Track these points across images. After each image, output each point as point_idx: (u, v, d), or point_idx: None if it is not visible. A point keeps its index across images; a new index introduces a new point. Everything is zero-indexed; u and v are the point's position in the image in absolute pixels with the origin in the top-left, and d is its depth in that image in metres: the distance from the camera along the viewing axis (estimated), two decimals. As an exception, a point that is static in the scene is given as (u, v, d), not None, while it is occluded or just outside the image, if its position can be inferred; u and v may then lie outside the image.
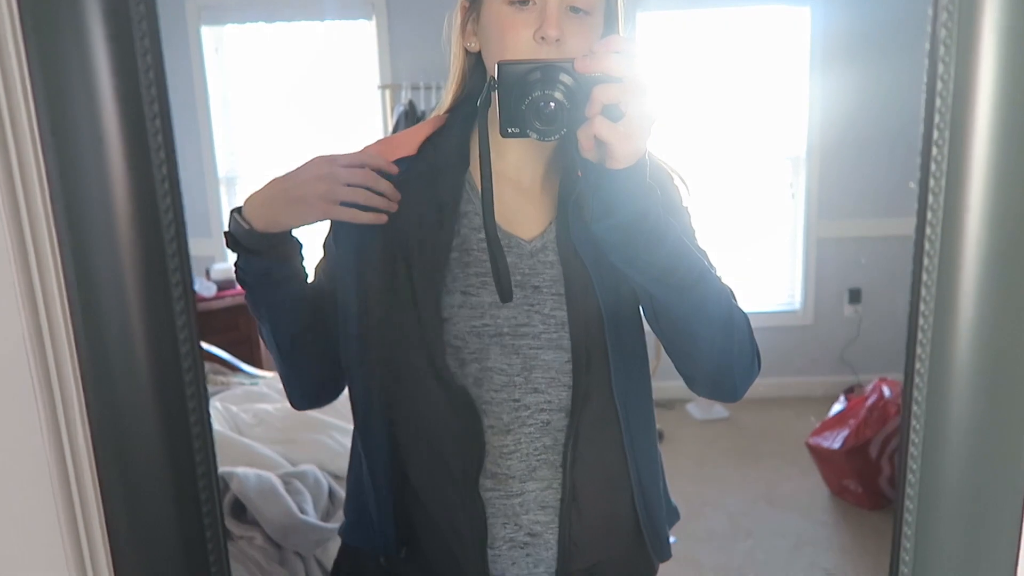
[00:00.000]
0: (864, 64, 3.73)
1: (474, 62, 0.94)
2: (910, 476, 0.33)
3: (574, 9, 0.83)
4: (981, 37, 0.29)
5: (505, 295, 0.87)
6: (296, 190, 0.87)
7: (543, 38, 0.82)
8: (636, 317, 0.95)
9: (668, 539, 1.04)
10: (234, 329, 3.49)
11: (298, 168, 0.88)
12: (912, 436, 0.34)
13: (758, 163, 4.01)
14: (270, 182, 0.89)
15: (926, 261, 0.31)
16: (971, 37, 0.29)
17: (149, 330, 0.34)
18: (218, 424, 2.18)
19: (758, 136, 3.98)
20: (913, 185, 0.30)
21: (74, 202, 0.32)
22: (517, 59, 0.80)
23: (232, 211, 0.91)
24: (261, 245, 0.89)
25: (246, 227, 0.89)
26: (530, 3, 0.83)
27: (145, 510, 0.36)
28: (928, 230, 0.30)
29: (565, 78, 0.75)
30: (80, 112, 0.32)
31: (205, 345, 3.00)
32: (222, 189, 3.96)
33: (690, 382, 0.92)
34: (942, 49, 0.30)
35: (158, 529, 0.36)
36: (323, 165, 0.87)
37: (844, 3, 3.70)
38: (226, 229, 0.91)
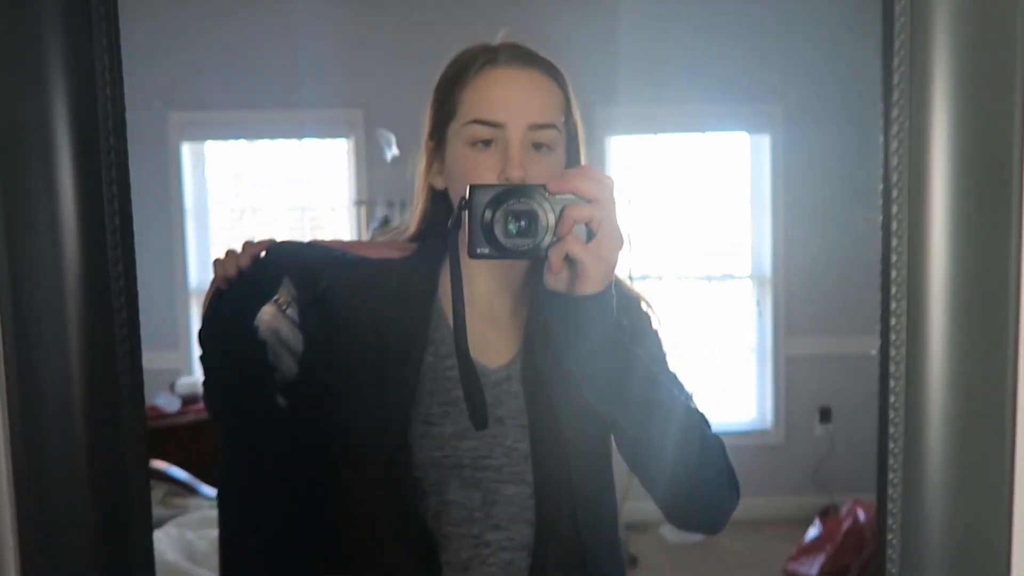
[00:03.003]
0: (824, 187, 3.89)
1: (440, 198, 0.94)
2: None
3: (536, 146, 0.84)
4: (931, 174, 0.30)
5: (480, 422, 0.85)
6: None
7: (507, 179, 0.82)
8: (603, 450, 0.92)
9: None
10: (196, 446, 3.37)
11: None
12: (889, 556, 0.33)
13: (725, 282, 4.09)
14: None
15: (892, 383, 0.30)
16: (922, 175, 0.30)
17: (95, 462, 0.33)
18: (171, 553, 2.07)
19: (725, 255, 4.08)
20: (875, 332, 0.30)
21: (24, 318, 0.31)
22: (475, 173, 0.82)
23: None
24: None
25: None
26: (492, 144, 0.84)
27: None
28: (892, 351, 0.30)
29: (537, 198, 0.76)
30: (39, 224, 0.31)
31: (163, 465, 2.88)
32: (192, 301, 3.93)
33: (669, 515, 0.88)
34: (895, 192, 0.31)
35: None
36: None
37: (801, 131, 3.89)
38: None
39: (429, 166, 0.93)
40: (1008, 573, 0.31)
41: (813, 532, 2.87)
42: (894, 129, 0.29)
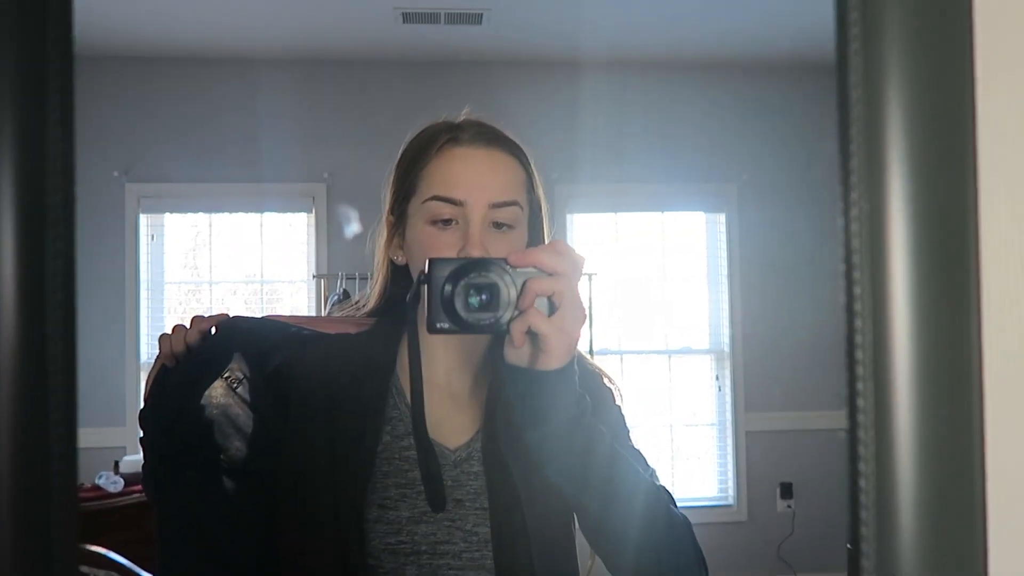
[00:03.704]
0: (778, 264, 3.99)
1: (400, 272, 0.93)
2: None
3: (497, 225, 0.84)
4: (891, 254, 0.31)
5: (438, 504, 0.82)
6: None
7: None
8: (567, 532, 0.90)
9: None
10: (138, 528, 3.22)
11: None
12: None
13: (684, 356, 4.13)
14: None
15: (862, 465, 0.30)
16: (882, 255, 0.31)
17: (19, 543, 0.30)
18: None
19: (684, 330, 4.13)
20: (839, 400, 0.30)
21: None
22: (434, 250, 0.81)
23: None
24: None
25: None
26: (453, 222, 0.83)
27: None
28: (860, 432, 0.30)
29: (498, 271, 0.74)
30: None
31: (102, 550, 2.74)
32: (142, 375, 3.81)
33: None
34: (856, 258, 0.31)
35: None
36: None
37: (756, 211, 4.01)
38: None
39: (389, 241, 0.92)
40: None
41: (778, 612, 2.82)
42: (853, 212, 0.30)
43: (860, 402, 0.29)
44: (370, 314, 0.95)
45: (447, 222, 0.83)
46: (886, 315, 0.30)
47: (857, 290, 0.31)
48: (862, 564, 0.29)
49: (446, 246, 0.83)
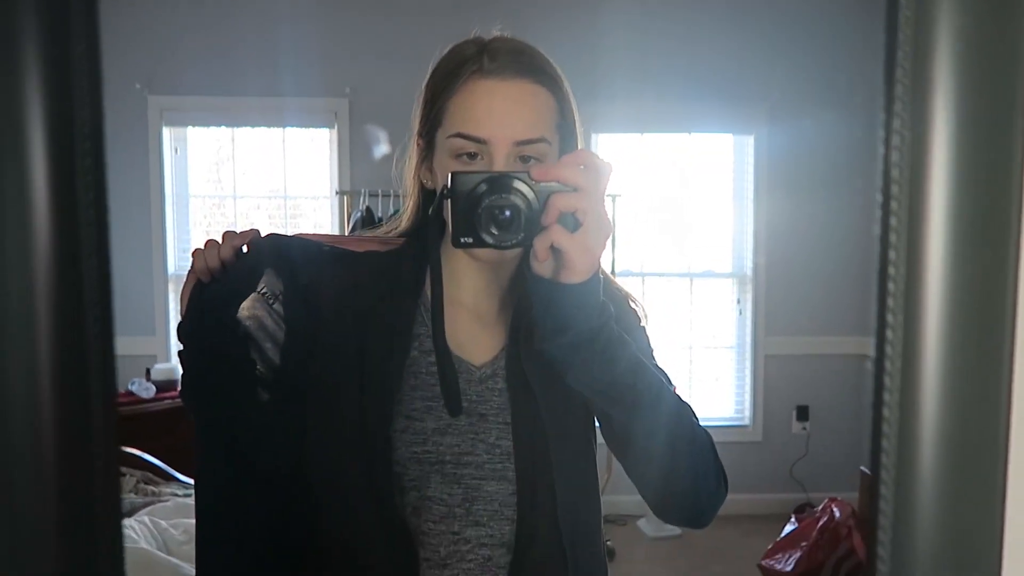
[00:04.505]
0: (806, 187, 3.92)
1: (430, 196, 0.91)
2: None
3: (523, 159, 0.82)
4: (932, 172, 0.30)
5: (454, 409, 0.84)
6: None
7: None
8: (587, 446, 0.92)
9: None
10: (170, 434, 3.34)
11: None
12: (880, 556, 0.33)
13: (707, 280, 4.12)
14: None
15: (886, 396, 0.30)
16: (922, 164, 0.30)
17: (61, 444, 0.32)
18: (144, 542, 2.05)
19: (707, 253, 4.11)
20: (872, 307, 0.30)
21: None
22: (471, 170, 0.80)
23: None
24: None
25: None
26: (477, 157, 0.82)
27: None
28: (887, 363, 0.30)
29: (521, 186, 0.74)
30: (7, 206, 0.30)
31: (137, 451, 2.85)
32: (170, 287, 3.89)
33: (655, 507, 0.87)
34: (895, 189, 0.30)
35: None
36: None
37: (785, 134, 3.92)
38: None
39: (419, 164, 0.91)
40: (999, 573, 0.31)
41: (789, 528, 2.90)
42: (895, 140, 0.29)
43: (889, 334, 0.29)
44: (401, 235, 0.95)
45: (471, 156, 0.82)
46: (922, 248, 0.30)
47: (893, 221, 0.30)
48: (880, 490, 0.30)
49: None
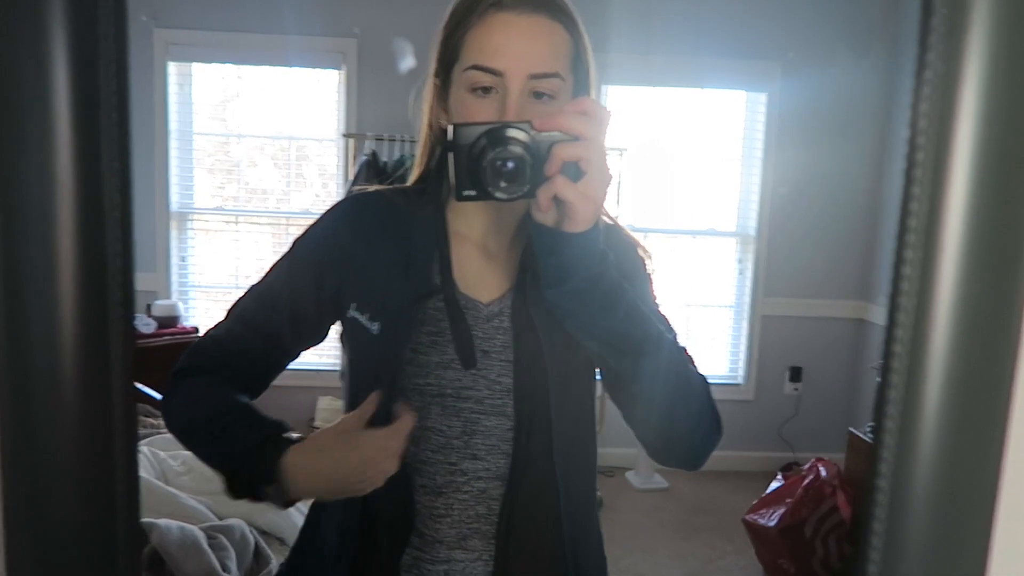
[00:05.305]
0: (816, 150, 3.89)
1: (444, 138, 0.93)
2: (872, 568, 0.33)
3: (537, 95, 0.83)
4: (959, 123, 0.30)
5: (468, 362, 0.87)
6: (354, 483, 0.81)
7: None
8: (586, 391, 0.94)
9: None
10: (170, 368, 3.38)
11: (347, 461, 0.80)
12: (879, 499, 0.34)
13: (710, 238, 4.12)
14: (314, 474, 0.82)
15: (895, 361, 0.31)
16: (949, 124, 0.31)
17: (82, 369, 0.33)
18: (144, 471, 2.10)
19: (712, 211, 4.10)
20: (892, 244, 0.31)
21: (13, 235, 0.31)
22: (472, 121, 0.80)
23: (264, 487, 0.83)
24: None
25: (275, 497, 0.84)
26: (492, 91, 0.82)
27: (53, 551, 0.34)
28: (900, 316, 0.31)
29: (523, 137, 0.74)
30: (31, 137, 0.31)
31: (139, 385, 2.90)
32: (172, 224, 3.89)
33: (650, 449, 0.90)
34: (921, 139, 0.31)
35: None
36: (374, 451, 0.80)
37: (798, 92, 3.87)
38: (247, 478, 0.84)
39: (435, 104, 0.92)
40: (990, 531, 0.33)
41: (774, 485, 2.96)
42: (927, 74, 0.29)
43: (906, 270, 0.29)
44: (418, 178, 0.97)
45: (486, 90, 0.83)
46: (945, 185, 0.30)
47: (919, 156, 0.30)
48: (883, 442, 0.30)
49: (483, 116, 0.82)
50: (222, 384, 0.93)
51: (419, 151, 0.96)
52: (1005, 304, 0.31)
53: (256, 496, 0.84)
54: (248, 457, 0.83)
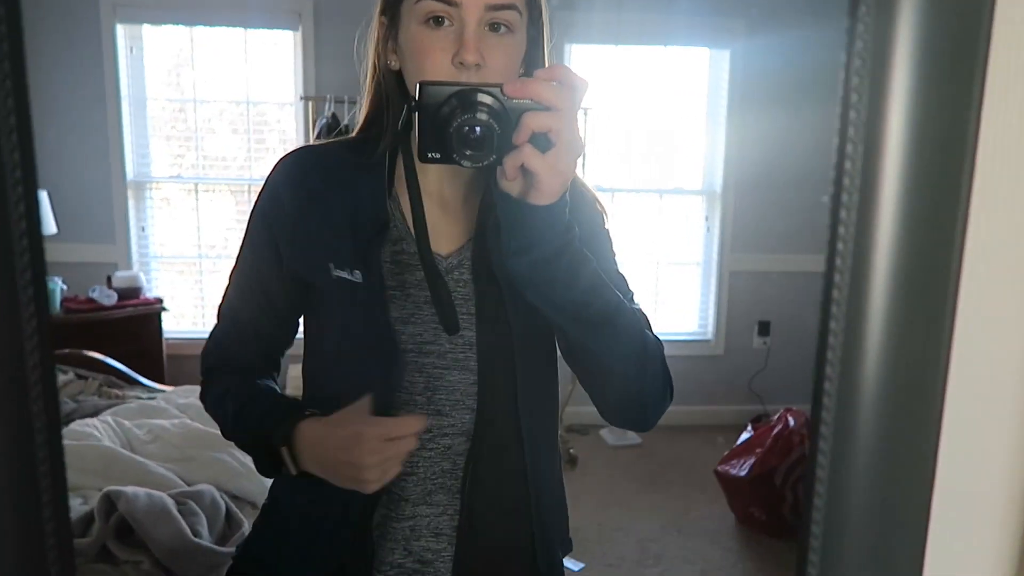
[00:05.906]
0: (779, 107, 3.88)
1: (393, 80, 0.89)
2: (817, 501, 0.32)
3: (494, 26, 0.79)
4: (892, 83, 0.30)
5: (451, 328, 0.86)
6: (358, 473, 0.80)
7: (462, 63, 0.78)
8: (549, 341, 0.93)
9: (562, 569, 1.01)
10: (134, 341, 3.33)
11: (348, 448, 0.79)
12: (820, 461, 0.34)
13: (676, 196, 4.12)
14: (317, 453, 0.84)
15: (835, 293, 0.31)
16: (882, 84, 0.30)
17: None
18: (108, 440, 2.07)
19: (678, 170, 4.09)
20: (826, 199, 0.30)
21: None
22: (440, 80, 0.76)
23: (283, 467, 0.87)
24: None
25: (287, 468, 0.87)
26: (446, 22, 0.79)
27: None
28: (838, 261, 0.30)
29: (493, 102, 0.71)
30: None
31: (100, 356, 2.84)
32: (129, 193, 3.79)
33: (603, 412, 0.90)
34: (854, 96, 0.30)
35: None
36: (377, 447, 0.78)
37: (761, 50, 3.85)
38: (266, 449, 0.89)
39: (383, 43, 0.88)
40: (933, 475, 0.33)
41: (744, 436, 3.01)
42: (857, 45, 0.28)
43: (841, 230, 0.29)
44: (364, 125, 0.93)
45: (439, 21, 0.79)
46: (879, 151, 0.29)
47: (851, 131, 0.30)
48: (823, 400, 0.30)
49: (439, 49, 0.79)
50: (237, 375, 0.98)
51: (365, 94, 0.92)
52: (941, 260, 0.31)
53: (278, 470, 0.88)
54: (262, 430, 0.88)
